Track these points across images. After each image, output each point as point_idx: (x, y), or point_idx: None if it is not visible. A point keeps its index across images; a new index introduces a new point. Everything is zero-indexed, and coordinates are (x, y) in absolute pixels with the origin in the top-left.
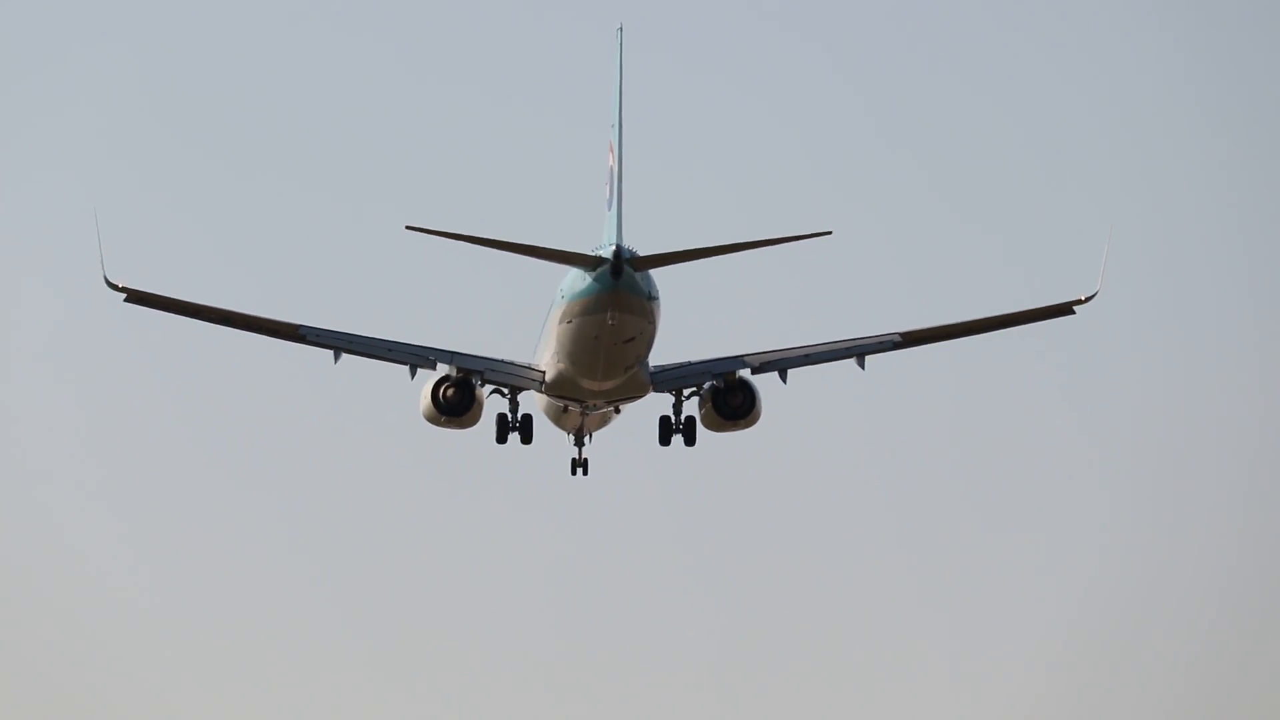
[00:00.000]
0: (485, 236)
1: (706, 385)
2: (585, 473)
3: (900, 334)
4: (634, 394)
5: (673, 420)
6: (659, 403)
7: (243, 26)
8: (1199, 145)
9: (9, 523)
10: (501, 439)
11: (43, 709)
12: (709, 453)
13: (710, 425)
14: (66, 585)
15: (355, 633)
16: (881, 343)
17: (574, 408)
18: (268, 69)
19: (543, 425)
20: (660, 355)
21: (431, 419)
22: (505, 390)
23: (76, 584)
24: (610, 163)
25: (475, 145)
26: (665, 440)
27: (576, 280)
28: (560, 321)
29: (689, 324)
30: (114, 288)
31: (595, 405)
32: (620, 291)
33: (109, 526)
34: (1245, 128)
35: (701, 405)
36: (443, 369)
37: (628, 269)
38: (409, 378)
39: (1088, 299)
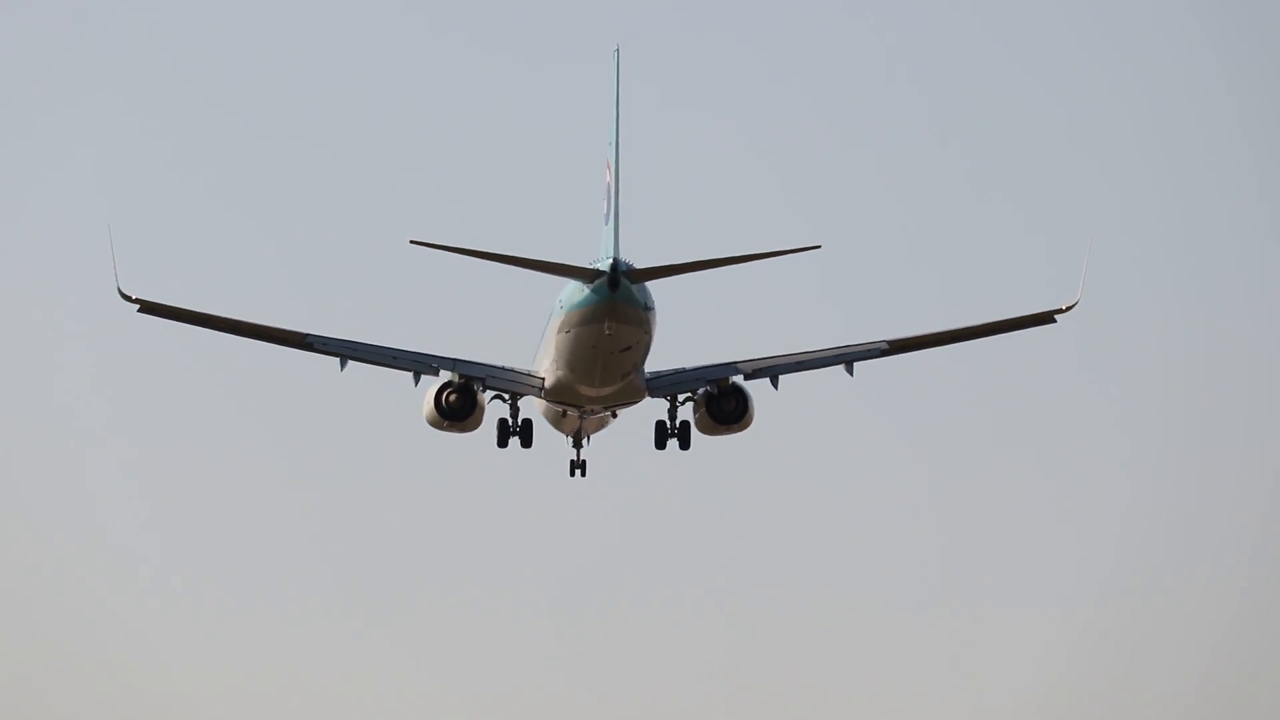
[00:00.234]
0: (487, 250)
1: (701, 391)
2: (583, 474)
3: (888, 341)
4: (630, 399)
5: (668, 425)
6: (655, 408)
7: (252, 44)
8: (1178, 155)
9: (27, 525)
10: (502, 443)
11: (59, 705)
12: (703, 456)
13: (704, 429)
14: (83, 585)
15: (361, 631)
16: (870, 350)
17: (572, 412)
18: (277, 87)
19: (542, 428)
20: (656, 362)
21: (434, 423)
22: (506, 396)
23: (91, 585)
24: (607, 179)
25: (478, 161)
26: (661, 444)
27: (575, 292)
28: (559, 331)
29: (684, 332)
30: (127, 299)
31: (593, 410)
32: (617, 302)
33: (124, 529)
34: (1225, 136)
35: (696, 410)
36: (445, 375)
37: (624, 281)
38: (413, 384)
39: (1069, 308)
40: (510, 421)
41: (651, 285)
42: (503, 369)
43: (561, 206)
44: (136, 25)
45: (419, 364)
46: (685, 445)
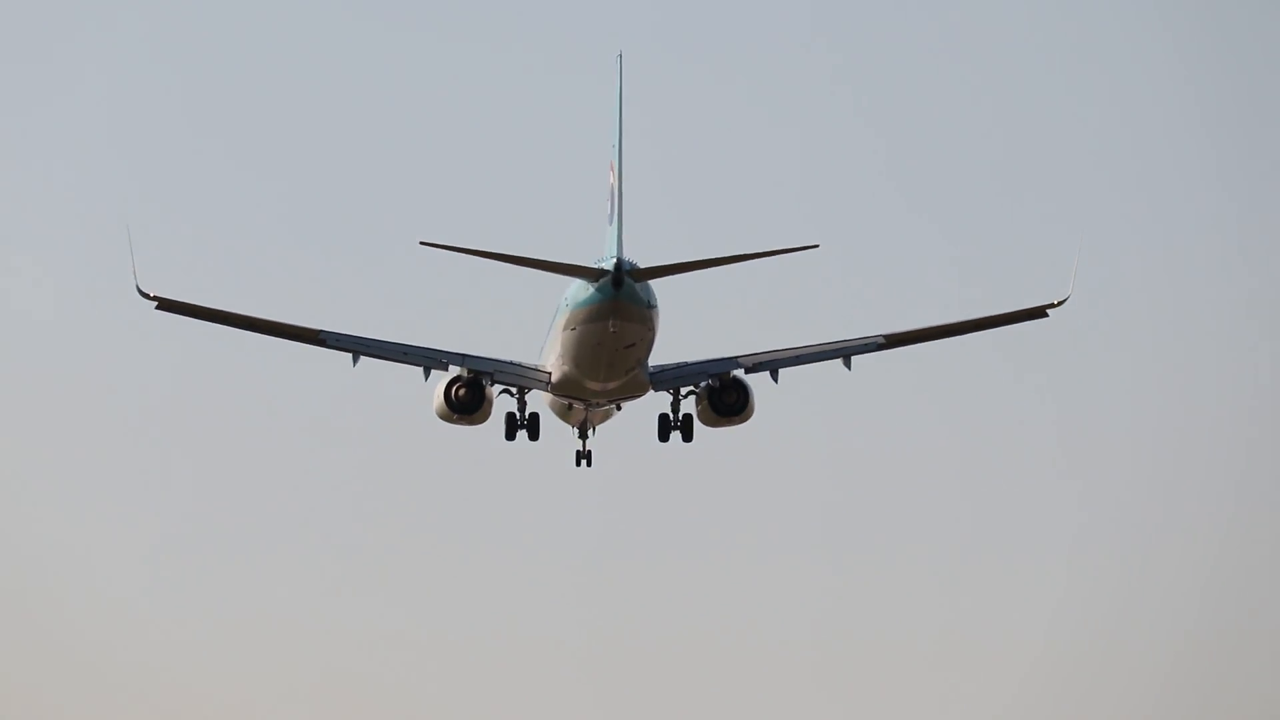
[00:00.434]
0: (494, 251)
1: (703, 384)
2: (589, 464)
3: (885, 336)
4: (634, 393)
5: (671, 418)
6: (658, 401)
7: (268, 48)
8: (1168, 152)
9: (51, 522)
10: (510, 436)
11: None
12: (705, 447)
13: (706, 421)
14: (98, 579)
15: (372, 619)
16: (867, 344)
17: (578, 405)
18: (293, 92)
19: (549, 420)
20: (659, 356)
21: (444, 416)
22: (514, 390)
23: (107, 578)
24: (611, 180)
25: (485, 163)
26: (664, 436)
27: (580, 290)
28: (565, 328)
29: (686, 327)
30: (145, 296)
31: (598, 403)
32: (621, 301)
33: (142, 522)
34: (1216, 133)
35: (698, 403)
36: (454, 370)
37: (628, 280)
38: (423, 379)
39: (1060, 303)
40: (518, 415)
41: (654, 283)
42: (510, 364)
43: (566, 207)
44: (152, 24)
45: (429, 359)
46: (688, 438)
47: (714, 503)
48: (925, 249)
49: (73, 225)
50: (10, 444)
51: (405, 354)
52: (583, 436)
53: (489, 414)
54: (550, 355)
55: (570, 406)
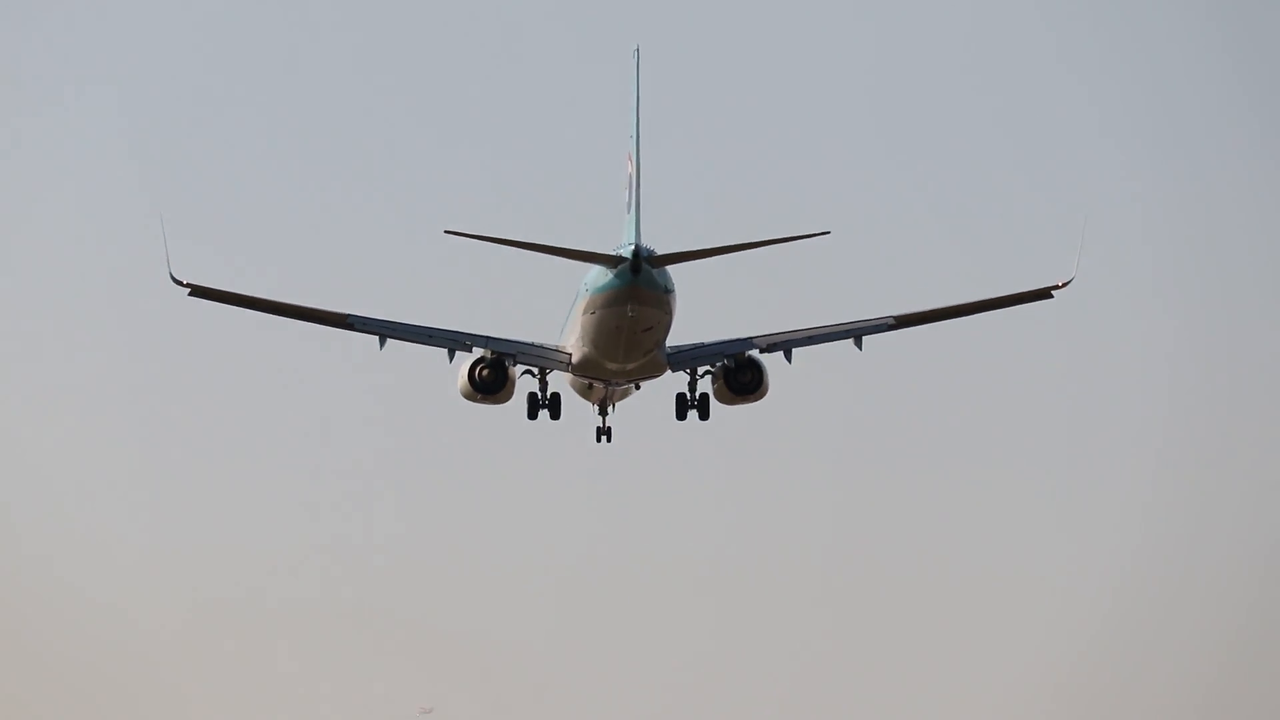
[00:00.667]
0: (517, 239)
1: (719, 364)
2: (609, 439)
3: (894, 317)
4: (653, 373)
5: (688, 397)
6: (675, 381)
7: (295, 43)
8: (1170, 137)
9: (93, 499)
10: (532, 415)
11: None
12: (721, 424)
13: (722, 399)
14: (133, 553)
15: (403, 589)
16: (878, 325)
17: (598, 385)
18: (320, 90)
19: (569, 397)
20: (676, 338)
21: (468, 396)
22: (535, 371)
23: (142, 552)
24: (629, 170)
25: (508, 155)
26: (681, 415)
27: (599, 276)
28: (585, 312)
29: (703, 310)
30: (179, 284)
31: (618, 383)
32: (639, 287)
33: (177, 497)
34: (1216, 118)
35: (714, 381)
36: (478, 351)
37: (646, 266)
38: (448, 360)
39: (1065, 284)
40: (540, 395)
41: (671, 268)
42: (532, 345)
43: (586, 196)
44: (183, 14)
45: (453, 341)
46: (705, 416)
47: (731, 477)
48: (934, 234)
49: (106, 217)
50: (50, 429)
51: (430, 337)
52: (602, 413)
53: (512, 394)
54: (570, 337)
55: (590, 386)
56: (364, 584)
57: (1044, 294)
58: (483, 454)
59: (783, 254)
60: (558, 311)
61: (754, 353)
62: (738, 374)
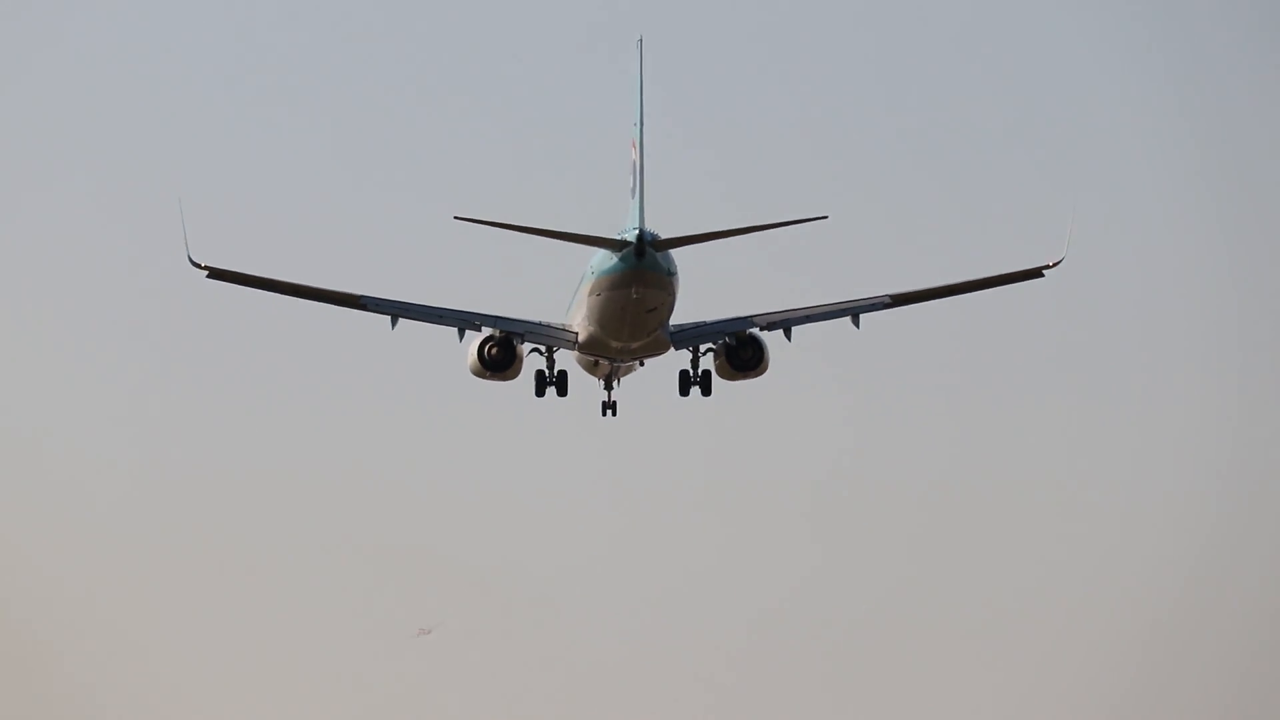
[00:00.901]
0: (523, 224)
1: (720, 341)
2: (614, 414)
3: (890, 296)
4: (656, 351)
5: (691, 374)
6: (678, 358)
7: (311, 33)
8: (1161, 120)
9: (116, 480)
10: (540, 393)
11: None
12: (722, 399)
13: (724, 375)
14: (158, 534)
15: (416, 563)
16: (874, 303)
17: (604, 362)
18: (331, 79)
19: (576, 375)
20: (679, 316)
21: (477, 373)
22: (543, 349)
23: (168, 532)
24: (633, 156)
25: (515, 141)
26: (685, 391)
27: (604, 259)
28: (590, 294)
29: (705, 290)
30: (197, 266)
31: (623, 360)
32: (643, 270)
33: (196, 474)
34: (1207, 100)
35: (716, 358)
36: (487, 330)
37: (650, 250)
38: (457, 339)
39: (1055, 264)
40: (547, 373)
41: (674, 252)
42: (539, 324)
43: (591, 181)
44: (197, 4)
45: (463, 321)
46: (707, 392)
47: (732, 451)
48: (929, 215)
49: (126, 201)
50: (76, 414)
51: (441, 317)
52: (608, 388)
53: (520, 371)
54: (576, 317)
55: (596, 363)
56: (374, 542)
57: (1035, 273)
58: (490, 429)
59: (782, 237)
60: (563, 292)
61: (755, 330)
62: (739, 351)
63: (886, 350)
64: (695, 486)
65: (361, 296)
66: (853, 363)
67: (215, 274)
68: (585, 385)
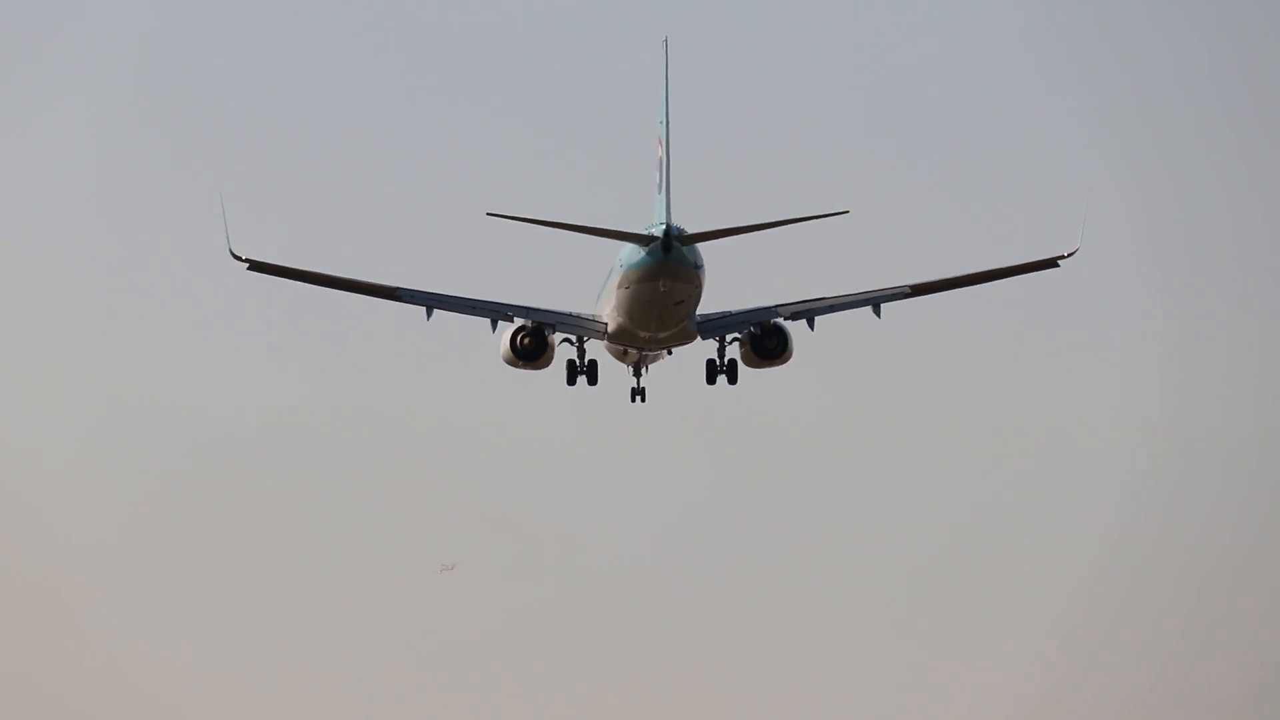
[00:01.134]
0: (555, 220)
1: (746, 331)
2: (643, 400)
3: (910, 286)
4: (684, 341)
5: (718, 363)
6: (705, 347)
7: (347, 39)
8: (1174, 114)
9: (154, 466)
10: (571, 382)
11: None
12: (748, 386)
13: (749, 363)
14: (195, 514)
15: (457, 529)
16: (895, 293)
17: (633, 351)
18: (370, 89)
19: (605, 363)
20: (706, 307)
21: (510, 362)
22: (573, 340)
23: (207, 513)
24: (660, 153)
25: (547, 140)
26: (711, 380)
27: (633, 253)
28: (619, 286)
29: (731, 282)
30: (238, 259)
31: (650, 349)
32: (670, 264)
33: (236, 458)
34: (1219, 92)
35: (741, 348)
36: (519, 321)
37: (677, 245)
38: (490, 330)
39: (1070, 254)
40: (578, 362)
41: (700, 246)
42: (570, 315)
43: (619, 177)
44: (243, 6)
45: (495, 311)
46: (733, 380)
47: (757, 432)
48: (948, 208)
49: (169, 197)
50: (117, 402)
51: (474, 308)
52: (636, 375)
53: (551, 360)
54: (606, 308)
55: (625, 351)
56: (410, 525)
57: (1051, 263)
58: (522, 416)
59: (805, 230)
60: (592, 284)
61: (779, 320)
62: (764, 340)
63: (907, 338)
64: (722, 469)
65: (397, 288)
66: (874, 351)
67: (255, 266)
68: (616, 375)
